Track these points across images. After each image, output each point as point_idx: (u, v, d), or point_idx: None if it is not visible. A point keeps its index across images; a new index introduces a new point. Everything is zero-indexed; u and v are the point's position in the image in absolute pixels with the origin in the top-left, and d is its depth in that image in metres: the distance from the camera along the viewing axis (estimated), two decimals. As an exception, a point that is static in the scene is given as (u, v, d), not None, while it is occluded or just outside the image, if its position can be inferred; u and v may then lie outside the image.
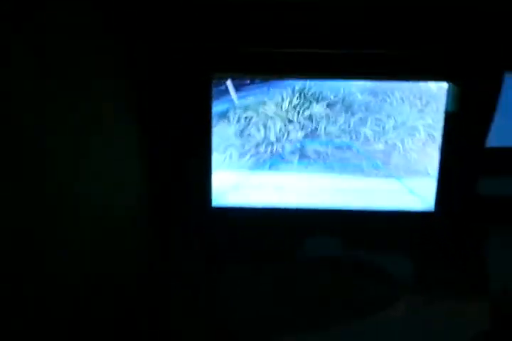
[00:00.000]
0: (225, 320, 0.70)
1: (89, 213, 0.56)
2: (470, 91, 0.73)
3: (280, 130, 0.75)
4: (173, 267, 0.74)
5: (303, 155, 0.76)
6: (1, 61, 0.39)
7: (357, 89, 0.73)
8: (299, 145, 0.75)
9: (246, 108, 0.74)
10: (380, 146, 0.76)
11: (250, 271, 0.77)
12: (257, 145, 0.75)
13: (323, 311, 0.73)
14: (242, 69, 0.71)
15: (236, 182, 0.77)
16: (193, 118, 0.73)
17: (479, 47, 0.70)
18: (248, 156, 0.76)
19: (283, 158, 0.76)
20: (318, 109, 0.74)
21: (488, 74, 0.72)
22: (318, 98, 0.74)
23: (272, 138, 0.75)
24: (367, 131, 0.75)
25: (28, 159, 0.43)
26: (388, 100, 0.74)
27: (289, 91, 0.73)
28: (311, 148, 0.76)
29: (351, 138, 0.75)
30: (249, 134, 0.75)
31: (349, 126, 0.75)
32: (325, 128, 0.75)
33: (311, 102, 0.74)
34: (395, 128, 0.75)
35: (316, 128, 0.75)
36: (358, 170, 0.76)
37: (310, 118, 0.74)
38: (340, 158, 0.76)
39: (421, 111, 0.74)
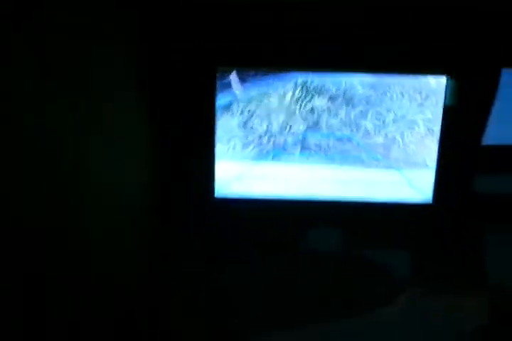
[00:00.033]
0: (225, 319, 0.71)
1: (90, 213, 0.56)
2: (468, 87, 0.74)
3: (283, 122, 0.76)
4: (173, 267, 0.74)
5: (304, 146, 0.78)
6: (1, 61, 0.39)
7: (358, 82, 0.75)
8: (300, 137, 0.77)
9: (249, 100, 0.75)
10: (380, 139, 0.77)
11: (251, 263, 0.78)
12: (260, 137, 0.77)
13: (323, 305, 0.75)
14: (245, 62, 0.73)
15: (239, 173, 0.78)
16: (198, 110, 0.74)
17: (478, 43, 0.72)
18: (251, 147, 0.77)
19: (285, 150, 0.78)
20: (319, 101, 0.76)
21: (486, 69, 0.73)
22: (320, 91, 0.75)
23: (275, 130, 0.77)
24: (367, 124, 0.77)
25: (27, 159, 0.43)
26: (388, 94, 0.75)
27: (292, 84, 0.75)
28: (312, 140, 0.77)
29: (352, 130, 0.77)
30: (252, 126, 0.76)
31: (350, 119, 0.76)
32: (326, 121, 0.76)
33: (313, 95, 0.75)
34: (394, 121, 0.76)
35: (318, 121, 0.76)
36: (358, 161, 0.78)
37: (312, 110, 0.76)
38: (341, 150, 0.78)
39: (420, 105, 0.76)
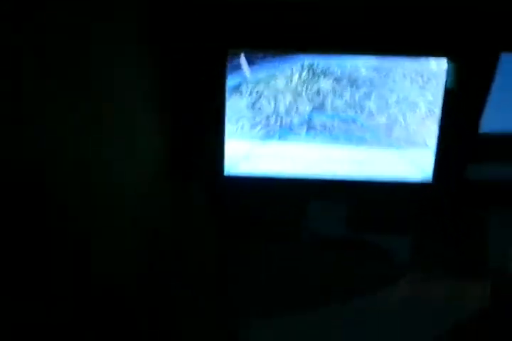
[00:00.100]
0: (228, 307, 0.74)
1: (92, 214, 0.55)
2: (469, 70, 0.76)
3: (289, 103, 0.79)
4: (173, 267, 0.74)
5: (310, 127, 0.80)
6: (1, 61, 0.39)
7: (362, 65, 0.77)
8: (306, 117, 0.80)
9: (258, 82, 0.78)
10: (383, 119, 0.80)
11: (259, 241, 0.81)
12: (268, 117, 0.80)
13: (324, 290, 0.77)
14: (255, 45, 0.75)
15: (247, 152, 0.81)
16: (209, 91, 0.77)
17: (479, 28, 0.74)
18: (259, 127, 0.80)
19: (291, 130, 0.80)
20: (325, 83, 0.78)
21: (485, 53, 0.76)
22: (325, 73, 0.78)
23: (282, 110, 0.79)
24: (371, 105, 0.80)
25: (27, 160, 0.43)
26: (391, 76, 0.78)
27: (299, 66, 0.77)
28: (318, 120, 0.80)
29: (356, 111, 0.80)
30: (260, 107, 0.79)
31: (354, 100, 0.79)
32: (331, 102, 0.79)
33: (319, 77, 0.78)
34: (397, 102, 0.79)
35: (323, 102, 0.79)
36: (361, 141, 0.81)
37: (318, 92, 0.79)
38: (346, 130, 0.80)
39: (422, 87, 0.78)
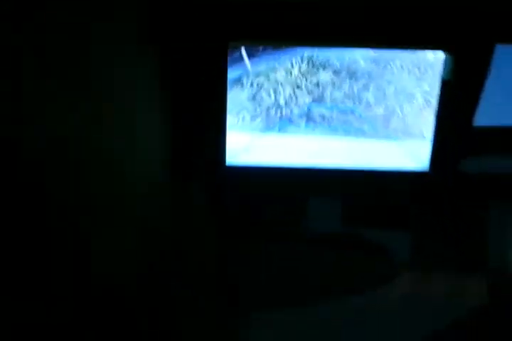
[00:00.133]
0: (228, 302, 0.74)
1: (94, 214, 0.56)
2: (464, 61, 0.78)
3: (289, 95, 0.80)
4: (173, 267, 0.74)
5: (310, 118, 0.82)
6: (1, 61, 0.39)
7: (361, 57, 0.79)
8: (306, 109, 0.81)
9: (258, 74, 0.79)
10: (381, 111, 0.82)
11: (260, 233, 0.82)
12: (268, 109, 0.81)
13: (324, 288, 0.78)
14: (255, 38, 0.76)
15: (247, 143, 0.83)
16: (210, 84, 0.78)
17: (474, 20, 0.75)
18: (259, 119, 0.82)
19: (291, 121, 0.82)
20: (324, 75, 0.80)
21: (480, 45, 0.77)
22: (324, 65, 0.79)
23: (282, 102, 0.81)
24: (369, 96, 0.81)
25: (27, 160, 0.43)
26: (389, 68, 0.79)
27: (298, 58, 0.78)
28: (317, 112, 0.81)
29: (354, 103, 0.81)
30: (261, 98, 0.80)
31: (353, 92, 0.80)
32: (330, 94, 0.80)
33: (318, 69, 0.79)
34: (394, 94, 0.81)
35: (323, 94, 0.80)
36: (360, 132, 0.83)
37: (317, 84, 0.80)
38: (344, 122, 0.82)
39: (419, 78, 0.80)
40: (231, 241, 0.84)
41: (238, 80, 0.79)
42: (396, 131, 0.82)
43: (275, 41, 0.77)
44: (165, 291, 0.71)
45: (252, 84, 0.80)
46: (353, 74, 0.80)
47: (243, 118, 0.81)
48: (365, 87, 0.80)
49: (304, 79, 0.79)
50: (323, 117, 0.82)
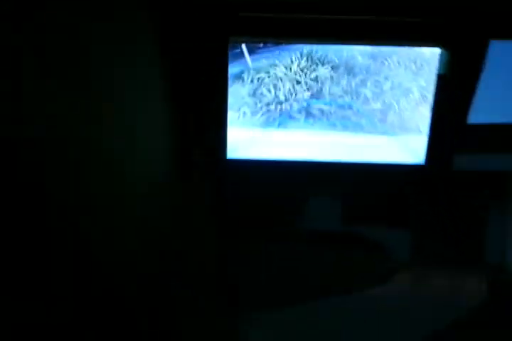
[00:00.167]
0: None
1: (94, 214, 0.55)
2: (460, 57, 0.79)
3: (289, 90, 0.82)
4: (173, 267, 0.74)
5: (309, 113, 0.83)
6: (1, 61, 0.39)
7: (358, 53, 0.80)
8: (305, 104, 0.83)
9: (258, 70, 0.80)
10: (378, 106, 0.83)
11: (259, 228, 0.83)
12: (268, 104, 0.82)
13: (323, 287, 0.78)
14: (256, 34, 0.77)
15: (248, 138, 0.84)
16: (211, 80, 0.79)
17: (468, 18, 0.77)
18: (260, 114, 0.83)
19: (291, 116, 0.83)
20: (323, 71, 0.81)
21: (475, 41, 0.79)
22: (323, 61, 0.80)
23: (281, 97, 0.82)
24: (366, 91, 0.82)
25: (27, 160, 0.43)
26: (386, 63, 0.81)
27: (298, 54, 0.80)
28: (316, 107, 0.83)
29: (352, 98, 0.83)
30: (261, 94, 0.82)
31: (351, 87, 0.82)
32: (329, 89, 0.82)
33: (317, 65, 0.80)
34: (391, 89, 0.82)
35: (321, 89, 0.82)
36: (357, 127, 0.84)
37: (316, 79, 0.81)
38: (342, 116, 0.84)
39: (415, 73, 0.81)
40: (231, 241, 0.85)
41: (239, 76, 0.80)
42: (393, 126, 0.84)
43: (275, 37, 0.78)
44: (165, 291, 0.70)
45: (252, 80, 0.81)
46: (351, 70, 0.81)
47: (244, 114, 0.83)
48: (363, 83, 0.82)
49: (304, 74, 0.81)
50: (322, 112, 0.83)
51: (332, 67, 0.81)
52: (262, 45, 0.79)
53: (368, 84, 0.82)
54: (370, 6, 0.75)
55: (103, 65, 0.56)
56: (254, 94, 0.82)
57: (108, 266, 0.59)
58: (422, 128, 0.84)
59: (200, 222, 0.83)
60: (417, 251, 0.87)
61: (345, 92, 0.82)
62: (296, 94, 0.82)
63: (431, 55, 0.80)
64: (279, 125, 0.84)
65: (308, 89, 0.82)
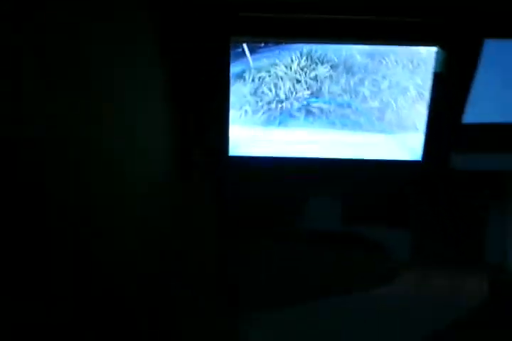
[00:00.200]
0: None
1: (94, 214, 0.55)
2: (455, 56, 0.81)
3: (289, 89, 0.83)
4: (173, 267, 0.74)
5: (308, 111, 0.85)
6: (1, 61, 0.39)
7: (357, 52, 0.82)
8: (305, 102, 0.84)
9: (259, 69, 0.81)
10: (376, 104, 0.85)
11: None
12: (269, 103, 0.84)
13: (323, 287, 0.78)
14: (256, 34, 0.79)
15: (249, 136, 0.86)
16: (213, 79, 0.80)
17: (464, 18, 0.79)
18: (261, 113, 0.84)
19: (291, 115, 0.85)
20: (322, 70, 0.83)
21: (471, 40, 0.81)
22: (322, 60, 0.82)
23: (282, 96, 0.84)
24: (365, 90, 0.84)
25: (27, 160, 0.43)
26: (384, 62, 0.82)
27: (298, 54, 0.81)
28: (315, 105, 0.84)
29: (351, 96, 0.84)
30: (262, 93, 0.83)
31: (349, 86, 0.84)
32: (328, 88, 0.83)
33: (316, 64, 0.82)
34: (389, 87, 0.84)
35: (321, 88, 0.83)
36: (356, 125, 0.86)
37: (315, 78, 0.83)
38: (341, 115, 0.85)
39: (412, 72, 0.83)
40: (231, 241, 0.85)
41: (240, 75, 0.82)
42: (390, 124, 0.86)
43: (276, 37, 0.79)
44: (165, 291, 0.70)
45: (253, 79, 0.82)
46: (349, 69, 0.83)
47: (245, 112, 0.84)
48: (361, 81, 0.83)
49: (303, 73, 0.82)
50: (321, 110, 0.85)
51: (331, 67, 0.82)
52: (262, 44, 0.80)
53: (366, 83, 0.83)
54: (369, 6, 0.77)
55: (103, 64, 0.56)
56: (255, 92, 0.83)
57: (108, 266, 0.58)
58: (419, 126, 0.86)
59: (200, 222, 0.84)
60: (417, 251, 0.88)
61: (344, 91, 0.84)
62: (296, 93, 0.83)
63: (427, 54, 0.82)
64: (280, 123, 0.85)
65: (307, 88, 0.83)
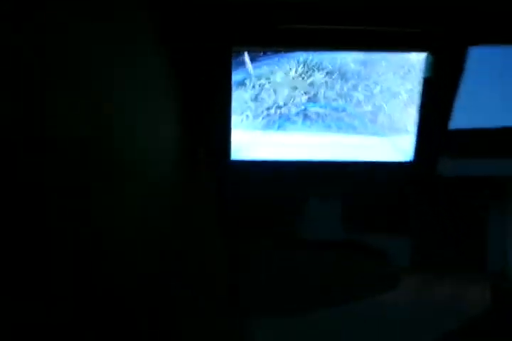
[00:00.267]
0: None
1: (94, 214, 0.55)
2: (443, 62, 0.85)
3: (287, 95, 0.87)
4: (173, 267, 0.73)
5: (306, 116, 0.89)
6: (1, 61, 0.39)
7: (351, 59, 0.86)
8: (302, 107, 0.88)
9: (259, 76, 0.86)
10: (369, 108, 0.89)
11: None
12: (268, 108, 0.88)
13: (324, 293, 0.78)
14: (257, 43, 0.83)
15: (250, 140, 0.90)
16: (216, 86, 0.84)
17: (451, 25, 0.84)
18: (261, 118, 0.88)
19: (289, 119, 0.89)
20: (318, 76, 0.87)
21: (458, 47, 0.85)
22: (318, 67, 0.86)
23: (281, 102, 0.88)
24: (358, 95, 0.89)
25: (27, 160, 0.43)
26: (376, 69, 0.87)
27: (295, 62, 0.85)
28: (312, 110, 0.89)
29: (345, 101, 0.89)
30: (262, 99, 0.87)
31: (344, 91, 0.88)
32: (324, 93, 0.88)
33: (313, 71, 0.86)
34: (381, 92, 0.89)
35: (317, 93, 0.88)
36: (350, 128, 0.90)
37: (312, 84, 0.87)
38: (337, 118, 0.90)
39: (403, 78, 0.88)
40: (231, 241, 0.87)
41: (242, 83, 0.86)
42: (383, 126, 0.90)
43: (275, 46, 0.83)
44: (165, 291, 0.69)
45: (254, 86, 0.86)
46: (343, 75, 0.87)
47: (247, 117, 0.88)
48: (355, 87, 0.88)
49: (301, 79, 0.87)
50: (318, 115, 0.89)
51: (327, 73, 0.87)
52: (262, 53, 0.84)
53: (360, 88, 0.88)
54: (362, 17, 0.81)
55: (103, 64, 0.56)
56: (255, 98, 0.87)
57: (108, 266, 0.58)
58: (410, 129, 0.91)
59: (201, 222, 0.86)
60: (418, 255, 0.90)
61: (339, 96, 0.88)
62: (294, 99, 0.88)
63: (417, 61, 0.87)
64: (279, 127, 0.89)
65: (305, 94, 0.88)
